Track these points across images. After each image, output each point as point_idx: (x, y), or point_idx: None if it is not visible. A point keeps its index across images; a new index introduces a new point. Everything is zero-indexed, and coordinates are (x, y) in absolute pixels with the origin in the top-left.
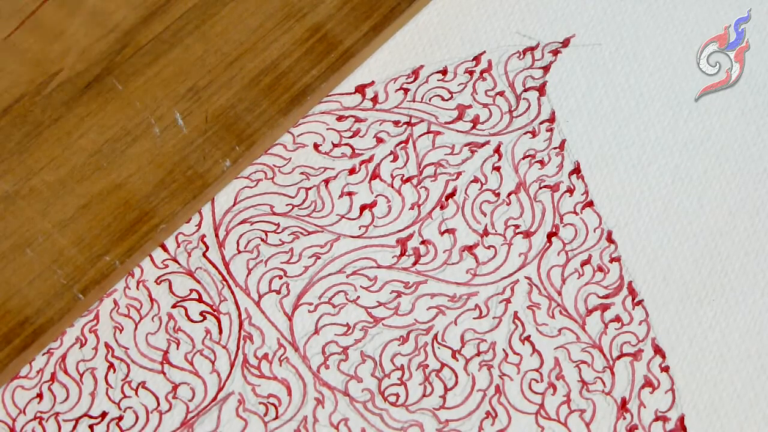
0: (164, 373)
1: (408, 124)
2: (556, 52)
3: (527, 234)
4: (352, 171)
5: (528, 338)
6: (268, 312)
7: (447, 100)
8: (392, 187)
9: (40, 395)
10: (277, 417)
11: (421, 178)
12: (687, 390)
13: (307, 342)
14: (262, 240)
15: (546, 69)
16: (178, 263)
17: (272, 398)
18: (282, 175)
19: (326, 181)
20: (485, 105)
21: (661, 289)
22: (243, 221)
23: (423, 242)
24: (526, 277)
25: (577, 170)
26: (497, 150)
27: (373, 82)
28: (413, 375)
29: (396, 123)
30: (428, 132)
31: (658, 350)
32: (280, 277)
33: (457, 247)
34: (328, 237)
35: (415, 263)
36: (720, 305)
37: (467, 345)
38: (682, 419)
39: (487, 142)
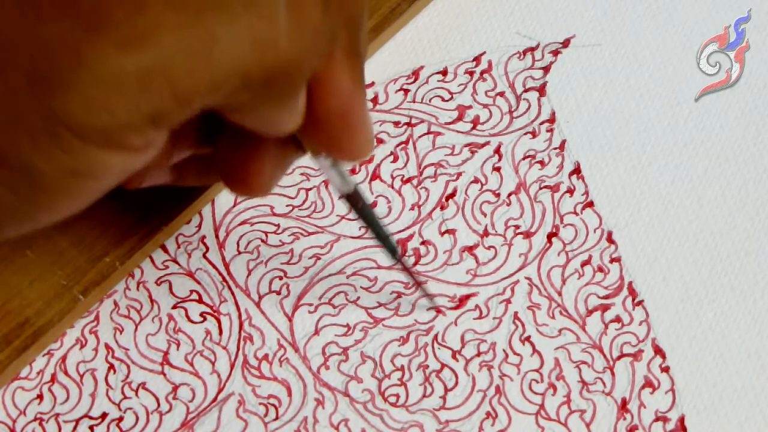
0: (164, 374)
1: (408, 124)
2: (556, 53)
3: (527, 234)
4: (352, 172)
5: (528, 339)
6: (268, 313)
7: (447, 100)
8: (392, 187)
9: (40, 396)
10: (277, 418)
11: (422, 179)
12: (687, 390)
13: (307, 342)
14: (263, 241)
15: (546, 69)
16: (179, 264)
17: (272, 399)
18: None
19: (326, 182)
20: (485, 105)
21: (661, 289)
22: (243, 222)
23: (423, 243)
24: (527, 278)
25: (577, 171)
26: (497, 150)
27: (373, 83)
28: (413, 375)
29: (396, 124)
30: (428, 133)
31: (658, 350)
32: (281, 278)
33: (458, 247)
34: (329, 238)
35: (415, 264)
36: (720, 305)
37: (467, 345)
38: (682, 419)
39: (488, 143)
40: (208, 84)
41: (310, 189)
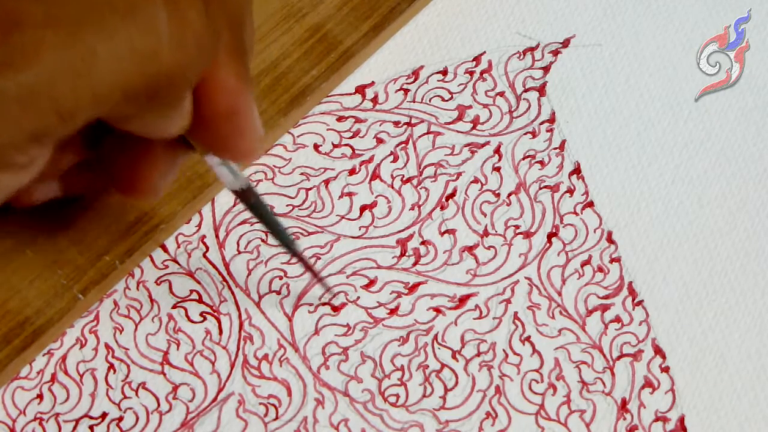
0: (164, 374)
1: (408, 124)
2: (556, 53)
3: (527, 234)
4: (352, 171)
5: (528, 339)
6: (268, 312)
7: (447, 100)
8: (392, 187)
9: (40, 396)
10: (277, 417)
11: (421, 179)
12: (687, 390)
13: (307, 342)
14: (263, 240)
15: (546, 69)
16: (178, 264)
17: (272, 399)
18: (282, 176)
19: (326, 182)
20: (485, 105)
21: (661, 289)
22: (243, 222)
23: (423, 243)
24: (527, 278)
25: (577, 171)
26: (497, 150)
27: (373, 83)
28: (413, 375)
29: (396, 123)
30: (428, 132)
31: (658, 351)
32: (281, 278)
33: (457, 247)
34: (328, 237)
35: (415, 264)
36: (720, 305)
37: (467, 345)
38: (682, 420)
39: (487, 143)
40: (91, 99)
41: (310, 189)
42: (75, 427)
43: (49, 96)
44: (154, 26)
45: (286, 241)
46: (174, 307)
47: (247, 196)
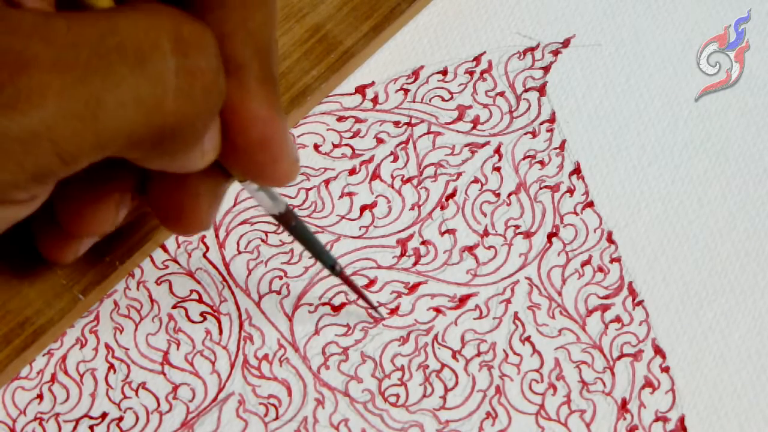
0: (164, 374)
1: (408, 124)
2: (556, 53)
3: (527, 234)
4: (352, 171)
5: (528, 339)
6: (268, 312)
7: (447, 100)
8: (392, 187)
9: (40, 396)
10: (277, 417)
11: (422, 179)
12: (687, 390)
13: (307, 342)
14: (263, 240)
15: (546, 69)
16: (179, 264)
17: (272, 399)
18: None
19: (326, 182)
20: (485, 105)
21: (661, 289)
22: (243, 222)
23: (423, 243)
24: (527, 278)
25: (577, 171)
26: (497, 150)
27: (373, 83)
28: (413, 375)
29: (396, 123)
30: (428, 132)
31: (658, 351)
32: (281, 278)
33: (458, 247)
34: (329, 237)
35: (415, 264)
36: (720, 306)
37: (467, 345)
38: (682, 420)
39: (488, 143)
40: (94, 144)
41: (310, 189)
42: (75, 427)
43: (50, 139)
44: (161, 76)
45: (329, 263)
46: (174, 307)
47: (287, 220)
